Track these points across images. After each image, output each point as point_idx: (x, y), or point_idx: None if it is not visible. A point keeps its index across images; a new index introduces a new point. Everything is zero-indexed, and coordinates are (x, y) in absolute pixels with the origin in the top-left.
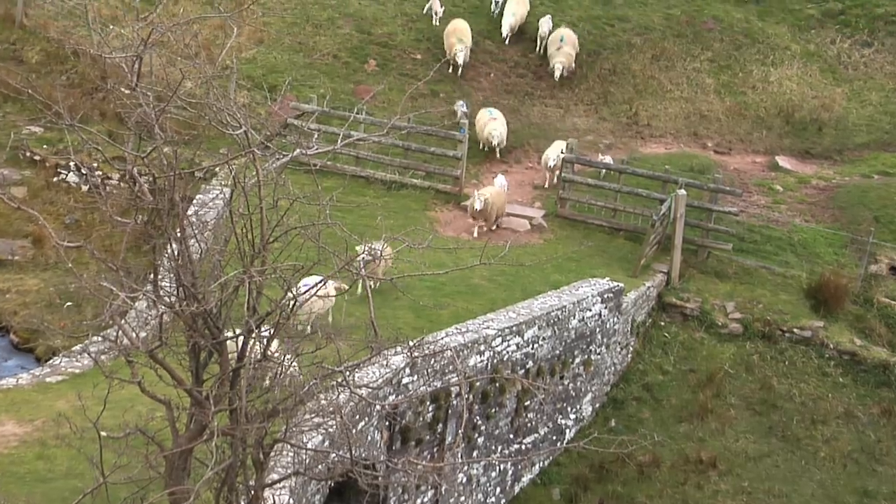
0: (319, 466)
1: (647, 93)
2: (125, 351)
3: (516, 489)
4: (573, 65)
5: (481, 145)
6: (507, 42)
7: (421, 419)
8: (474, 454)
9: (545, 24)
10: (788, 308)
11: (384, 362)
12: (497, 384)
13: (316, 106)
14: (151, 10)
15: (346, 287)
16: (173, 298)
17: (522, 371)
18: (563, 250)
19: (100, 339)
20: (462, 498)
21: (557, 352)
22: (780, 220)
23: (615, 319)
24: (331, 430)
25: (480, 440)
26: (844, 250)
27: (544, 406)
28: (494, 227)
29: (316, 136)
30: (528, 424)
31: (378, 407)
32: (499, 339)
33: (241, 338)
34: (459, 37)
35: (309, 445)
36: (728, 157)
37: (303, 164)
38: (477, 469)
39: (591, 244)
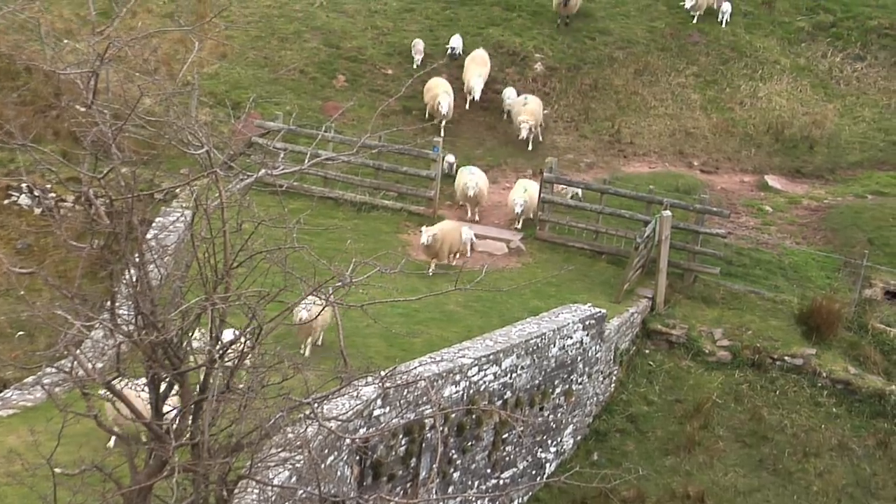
0: None
1: (629, 109)
2: (80, 383)
3: None
4: (540, 125)
5: (459, 201)
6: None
7: (393, 453)
8: (450, 490)
9: (509, 93)
10: (779, 335)
11: (354, 393)
12: (473, 416)
13: (282, 124)
14: (108, 24)
15: None
16: (131, 327)
17: (500, 402)
18: (542, 275)
19: (54, 370)
20: None
21: (537, 381)
22: (770, 243)
23: (597, 347)
24: (298, 465)
25: (456, 475)
26: (837, 274)
27: (523, 439)
28: (455, 262)
29: (282, 155)
30: (507, 458)
31: (348, 440)
32: (475, 369)
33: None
34: (445, 89)
35: (275, 482)
36: (715, 176)
37: (268, 185)
38: None
39: (572, 268)
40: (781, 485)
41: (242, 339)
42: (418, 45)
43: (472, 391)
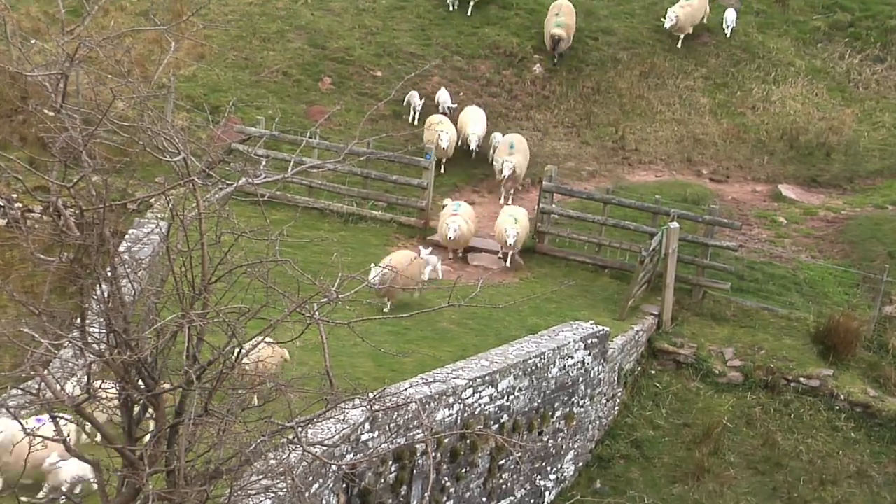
0: None
1: (634, 114)
2: (48, 405)
3: None
4: (524, 169)
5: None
6: (472, 155)
7: (382, 481)
8: None
9: (495, 138)
10: (794, 354)
11: (341, 417)
12: (468, 441)
13: (264, 129)
14: (78, 23)
15: None
16: (103, 346)
17: (496, 426)
18: (541, 290)
19: (19, 391)
20: None
21: (535, 404)
22: (784, 257)
23: (600, 368)
24: (281, 493)
25: None
26: (856, 290)
27: (521, 465)
28: (415, 293)
29: (264, 163)
30: (503, 486)
31: (334, 467)
32: (470, 391)
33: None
34: (446, 127)
35: None
36: (725, 185)
37: (249, 195)
38: None
39: (573, 283)
40: None
41: (221, 359)
42: (414, 99)
43: (466, 414)
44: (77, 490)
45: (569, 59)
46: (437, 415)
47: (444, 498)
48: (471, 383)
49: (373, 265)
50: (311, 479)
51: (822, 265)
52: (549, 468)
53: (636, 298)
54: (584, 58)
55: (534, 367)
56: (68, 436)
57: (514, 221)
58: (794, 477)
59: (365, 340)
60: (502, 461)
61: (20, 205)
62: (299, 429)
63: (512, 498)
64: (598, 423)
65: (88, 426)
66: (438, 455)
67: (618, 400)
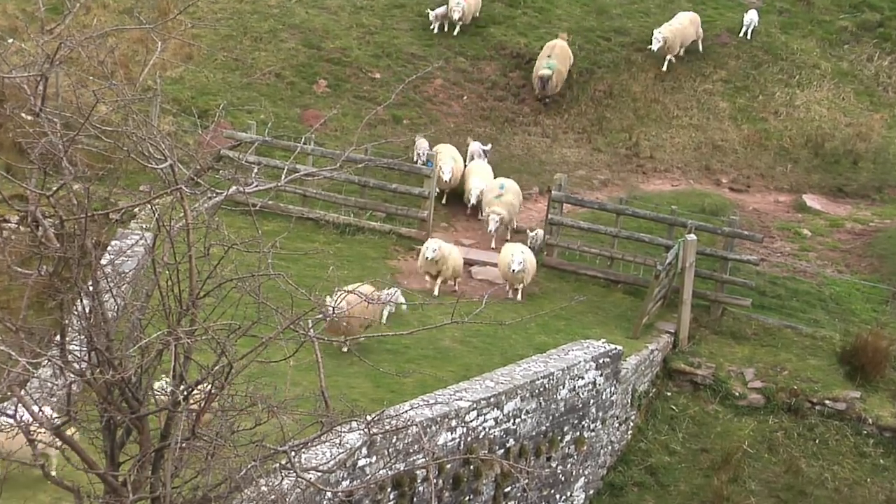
0: None
1: (649, 119)
2: (26, 428)
3: None
4: (516, 213)
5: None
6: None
7: None
8: None
9: (471, 146)
10: (819, 376)
11: (337, 440)
12: (472, 466)
13: (255, 134)
14: (59, 21)
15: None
16: (84, 365)
17: (502, 451)
18: (549, 306)
19: None
20: None
21: (544, 428)
22: (809, 271)
23: (612, 389)
24: None
25: None
26: (885, 307)
27: (528, 493)
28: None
29: (255, 170)
30: None
31: (329, 494)
32: (473, 413)
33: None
34: (451, 154)
35: None
36: (746, 195)
37: (240, 205)
38: None
39: (584, 299)
40: None
41: (210, 379)
42: (421, 146)
43: (469, 438)
44: None
45: (580, 60)
46: (438, 439)
47: None
48: (475, 405)
49: (328, 298)
50: None
51: (848, 280)
52: (557, 496)
53: (651, 315)
54: (596, 59)
55: (542, 389)
56: (46, 461)
57: (520, 252)
58: None
59: (362, 359)
60: (508, 488)
61: None
62: (292, 453)
63: None
64: (610, 448)
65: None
66: (440, 482)
67: (631, 423)
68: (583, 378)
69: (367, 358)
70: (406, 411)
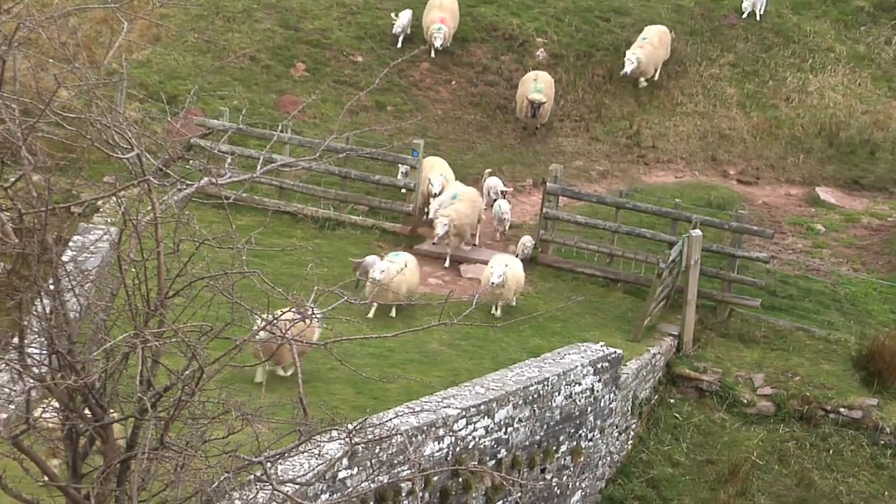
0: None
1: (651, 106)
2: None
3: None
4: (470, 223)
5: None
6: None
7: None
8: None
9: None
10: (833, 381)
11: (316, 451)
12: (460, 479)
13: (228, 122)
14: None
15: None
16: (44, 369)
17: (493, 462)
18: (544, 307)
19: None
20: None
21: (538, 437)
22: (823, 269)
23: (611, 396)
24: None
25: None
26: None
27: None
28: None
29: (228, 160)
30: None
31: None
32: (462, 421)
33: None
34: (440, 171)
35: None
36: (755, 188)
37: (212, 197)
38: None
39: (581, 299)
40: None
41: (180, 385)
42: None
43: (458, 448)
44: None
45: (577, 42)
46: (425, 449)
47: None
48: (464, 413)
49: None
50: None
51: (865, 279)
52: None
53: (653, 317)
54: (595, 41)
55: (536, 395)
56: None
57: (502, 263)
58: None
59: (343, 363)
60: (500, 502)
61: None
62: (268, 464)
63: None
64: (608, 459)
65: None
66: (426, 495)
67: (632, 433)
68: (580, 384)
69: (349, 362)
70: (390, 419)
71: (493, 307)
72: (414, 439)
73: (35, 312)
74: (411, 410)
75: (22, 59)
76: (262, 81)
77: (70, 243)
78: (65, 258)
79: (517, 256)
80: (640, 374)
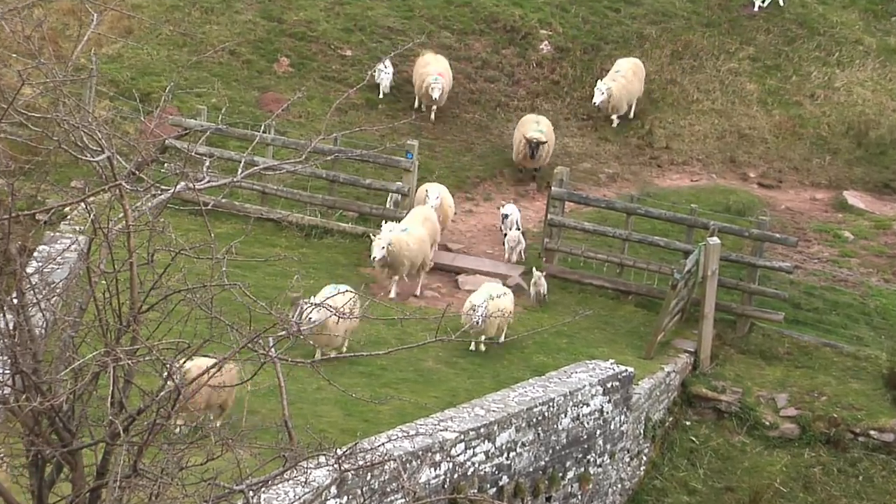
0: None
1: (665, 103)
2: None
3: None
4: (412, 257)
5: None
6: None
7: None
8: None
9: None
10: (862, 402)
11: (302, 478)
12: None
13: (206, 122)
14: None
15: None
16: (7, 390)
17: (494, 489)
18: (549, 321)
19: None
20: None
21: (542, 463)
22: (851, 280)
23: (622, 418)
24: None
25: None
26: None
27: None
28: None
29: (207, 163)
30: None
31: None
32: (461, 446)
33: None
34: (436, 193)
35: None
36: (778, 192)
37: (189, 203)
38: None
39: (589, 313)
40: None
41: (155, 407)
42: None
43: (456, 475)
44: None
45: (584, 35)
46: (420, 476)
47: None
48: (462, 437)
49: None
50: None
51: None
52: None
53: (667, 332)
54: (603, 34)
55: (540, 417)
56: None
57: (485, 296)
58: None
59: (332, 383)
60: None
61: None
62: (250, 493)
63: None
64: (619, 486)
65: None
66: None
67: (644, 458)
68: (588, 405)
69: (338, 382)
70: (382, 444)
71: (472, 343)
72: (408, 465)
73: None
74: (405, 434)
75: None
76: (242, 77)
77: (35, 253)
78: (29, 270)
79: (531, 298)
80: (654, 394)
